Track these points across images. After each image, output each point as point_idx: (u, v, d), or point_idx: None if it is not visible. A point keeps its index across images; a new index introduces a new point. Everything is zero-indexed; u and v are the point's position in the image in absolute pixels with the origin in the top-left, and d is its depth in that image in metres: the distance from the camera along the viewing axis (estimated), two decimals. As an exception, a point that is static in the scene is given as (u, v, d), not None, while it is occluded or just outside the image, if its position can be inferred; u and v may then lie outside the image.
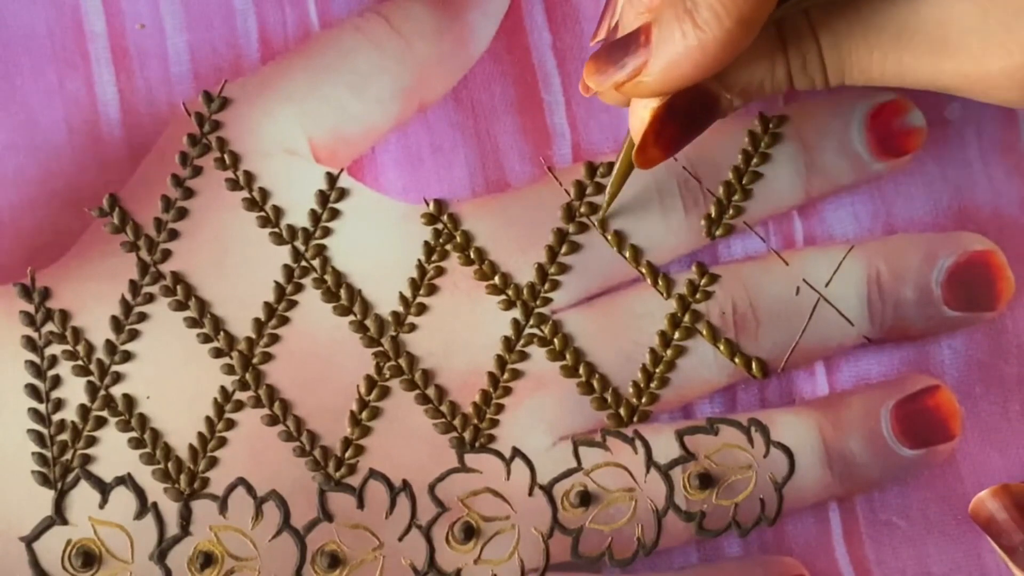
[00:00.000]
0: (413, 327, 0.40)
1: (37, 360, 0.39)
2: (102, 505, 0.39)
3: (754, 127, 0.41)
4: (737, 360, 0.40)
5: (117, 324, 0.39)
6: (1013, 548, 0.39)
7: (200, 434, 0.39)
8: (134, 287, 0.40)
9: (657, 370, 0.40)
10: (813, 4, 0.35)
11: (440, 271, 0.40)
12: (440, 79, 0.41)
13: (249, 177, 0.40)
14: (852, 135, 0.41)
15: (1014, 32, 0.33)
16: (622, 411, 0.40)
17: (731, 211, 0.41)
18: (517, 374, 0.40)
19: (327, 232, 0.40)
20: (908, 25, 0.34)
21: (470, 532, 0.39)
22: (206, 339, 0.39)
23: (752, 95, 0.36)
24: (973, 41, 0.33)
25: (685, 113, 0.35)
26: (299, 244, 0.40)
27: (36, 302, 0.39)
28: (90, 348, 0.39)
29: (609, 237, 0.41)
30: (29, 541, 0.38)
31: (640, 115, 0.36)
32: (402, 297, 0.40)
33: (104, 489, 0.39)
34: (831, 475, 0.40)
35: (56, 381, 0.39)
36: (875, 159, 0.41)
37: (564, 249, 0.41)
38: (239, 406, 0.39)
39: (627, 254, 0.41)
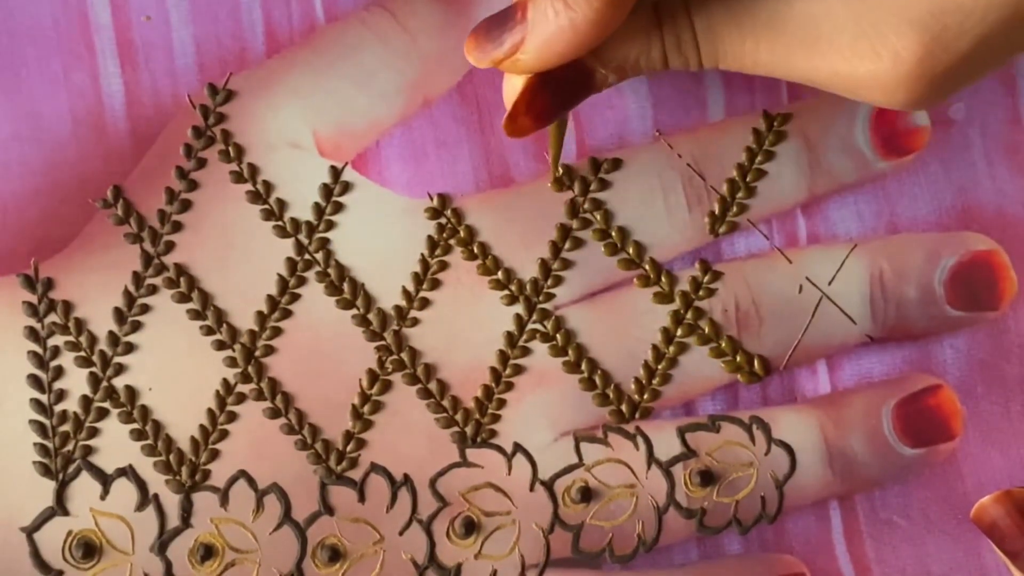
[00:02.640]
0: (416, 321, 0.40)
1: (40, 351, 0.39)
2: (103, 496, 0.39)
3: (758, 125, 0.41)
4: (739, 357, 0.40)
5: (120, 315, 0.39)
6: (1016, 553, 0.39)
7: (202, 426, 0.39)
8: (137, 279, 0.40)
9: (659, 367, 0.40)
10: None
11: (443, 266, 0.40)
12: (445, 74, 0.41)
13: (253, 170, 0.40)
14: (856, 134, 0.41)
15: (882, 35, 0.33)
16: (624, 407, 0.40)
17: (735, 208, 0.41)
18: (519, 369, 0.40)
19: (331, 225, 0.40)
20: (780, 16, 0.34)
21: (471, 527, 0.39)
22: (209, 331, 0.39)
23: (627, 72, 0.36)
24: (843, 40, 0.33)
25: (558, 85, 0.36)
26: (303, 237, 0.40)
27: (39, 293, 0.39)
28: (93, 339, 0.39)
29: (613, 234, 0.41)
30: (30, 532, 0.38)
31: (513, 84, 0.36)
32: (405, 291, 0.40)
33: (105, 480, 0.39)
34: (832, 473, 0.40)
35: (58, 372, 0.39)
36: (879, 158, 0.41)
37: (567, 245, 0.41)
38: (241, 399, 0.39)
39: (630, 250, 0.41)
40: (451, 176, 0.42)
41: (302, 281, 0.40)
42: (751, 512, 0.40)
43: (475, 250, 0.41)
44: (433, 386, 0.40)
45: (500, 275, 0.40)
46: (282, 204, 0.40)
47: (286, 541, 0.39)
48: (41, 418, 0.39)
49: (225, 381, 0.39)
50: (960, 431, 0.40)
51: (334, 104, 0.40)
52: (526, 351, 0.40)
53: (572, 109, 0.37)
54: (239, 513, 0.39)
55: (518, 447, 0.40)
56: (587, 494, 0.40)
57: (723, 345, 0.40)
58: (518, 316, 0.40)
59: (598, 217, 0.41)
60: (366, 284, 0.40)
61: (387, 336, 0.40)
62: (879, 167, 0.41)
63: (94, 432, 0.39)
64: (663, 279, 0.41)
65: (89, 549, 0.38)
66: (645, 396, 0.40)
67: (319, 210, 0.40)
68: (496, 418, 0.40)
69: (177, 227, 0.40)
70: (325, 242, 0.40)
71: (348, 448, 0.39)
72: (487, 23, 0.35)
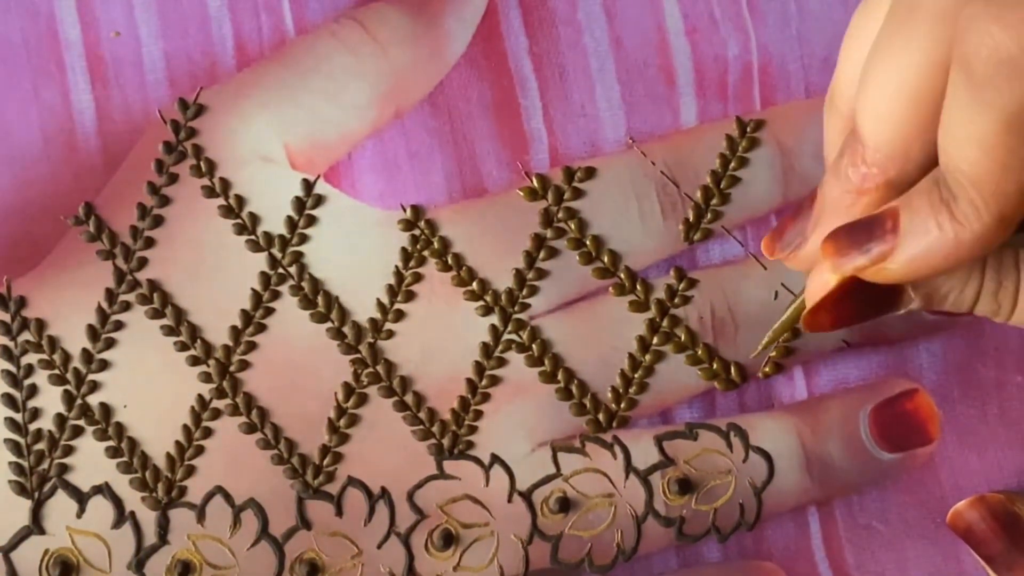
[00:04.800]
0: (391, 334, 0.40)
1: (13, 369, 0.39)
2: (79, 514, 0.39)
3: (732, 131, 0.41)
4: (716, 365, 0.40)
5: (93, 333, 0.39)
6: (992, 557, 0.39)
7: (177, 443, 0.39)
8: (110, 295, 0.39)
9: (636, 375, 0.40)
10: None
11: (418, 277, 0.40)
12: (416, 85, 0.41)
13: (225, 184, 0.40)
14: (829, 139, 0.41)
15: None
16: (601, 417, 0.40)
17: (709, 215, 0.41)
18: (495, 380, 0.40)
19: (304, 239, 0.40)
20: None
21: (449, 539, 0.39)
22: (183, 347, 0.39)
23: (932, 303, 0.34)
24: None
25: (868, 295, 0.34)
26: (276, 251, 0.40)
27: (12, 311, 0.39)
28: (66, 357, 0.39)
29: (588, 242, 0.41)
30: (6, 551, 0.38)
31: (824, 279, 0.34)
32: (380, 304, 0.40)
33: (81, 498, 0.39)
34: (810, 479, 0.40)
35: (32, 390, 0.39)
36: (852, 162, 0.41)
37: (542, 255, 0.41)
38: (216, 414, 0.39)
39: (605, 259, 0.41)
40: (424, 187, 0.42)
41: (276, 295, 0.40)
42: (730, 519, 0.40)
43: (449, 261, 0.40)
44: (409, 398, 0.40)
45: (475, 286, 0.40)
46: (255, 218, 0.40)
47: (264, 556, 0.39)
48: (16, 437, 0.39)
49: (200, 397, 0.39)
50: (937, 435, 0.40)
51: (305, 117, 0.40)
52: (502, 362, 0.40)
53: (869, 322, 0.34)
54: (216, 529, 0.39)
55: (495, 458, 0.40)
56: (565, 504, 0.39)
57: (699, 352, 0.40)
58: (493, 327, 0.40)
59: (572, 226, 0.41)
60: (340, 297, 0.40)
61: (362, 349, 0.40)
62: (852, 171, 0.41)
63: (69, 450, 0.39)
64: (638, 287, 0.41)
65: (66, 568, 0.38)
66: (622, 405, 0.40)
67: (292, 223, 0.40)
68: (473, 429, 0.40)
69: (150, 243, 0.40)
70: (298, 256, 0.40)
71: (325, 462, 0.39)
72: (848, 229, 0.33)
